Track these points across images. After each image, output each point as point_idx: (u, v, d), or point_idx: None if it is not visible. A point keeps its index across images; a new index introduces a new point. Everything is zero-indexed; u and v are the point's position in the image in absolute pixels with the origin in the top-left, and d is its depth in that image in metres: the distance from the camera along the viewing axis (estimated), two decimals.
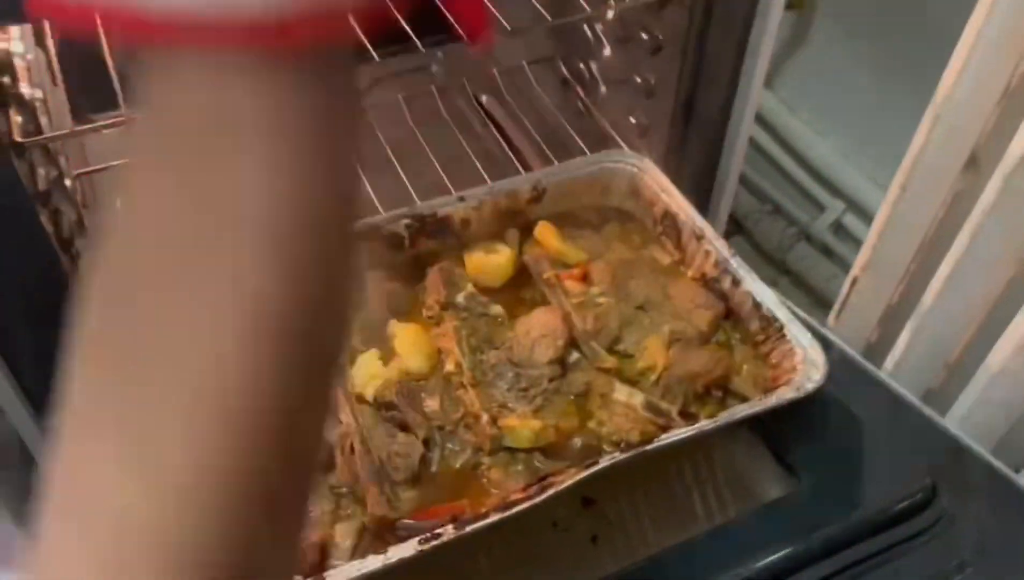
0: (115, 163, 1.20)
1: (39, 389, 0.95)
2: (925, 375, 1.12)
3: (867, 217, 1.66)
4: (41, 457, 0.97)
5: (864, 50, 1.61)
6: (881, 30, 1.57)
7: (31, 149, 0.86)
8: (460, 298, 0.97)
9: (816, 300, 1.78)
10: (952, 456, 0.98)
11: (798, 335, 0.91)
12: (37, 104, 1.02)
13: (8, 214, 0.80)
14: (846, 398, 1.02)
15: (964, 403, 1.04)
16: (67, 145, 1.14)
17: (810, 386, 0.86)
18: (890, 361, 1.13)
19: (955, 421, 1.04)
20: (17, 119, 0.84)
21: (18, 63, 1.00)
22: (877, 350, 1.20)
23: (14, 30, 1.03)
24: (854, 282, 1.15)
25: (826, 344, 0.95)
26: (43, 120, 1.01)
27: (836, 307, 1.19)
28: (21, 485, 1.00)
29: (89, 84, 1.36)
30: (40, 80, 1.07)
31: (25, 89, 0.97)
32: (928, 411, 1.03)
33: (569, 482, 0.77)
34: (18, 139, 0.81)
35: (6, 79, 0.87)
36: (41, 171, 0.90)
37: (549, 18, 1.05)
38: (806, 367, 0.88)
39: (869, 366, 1.08)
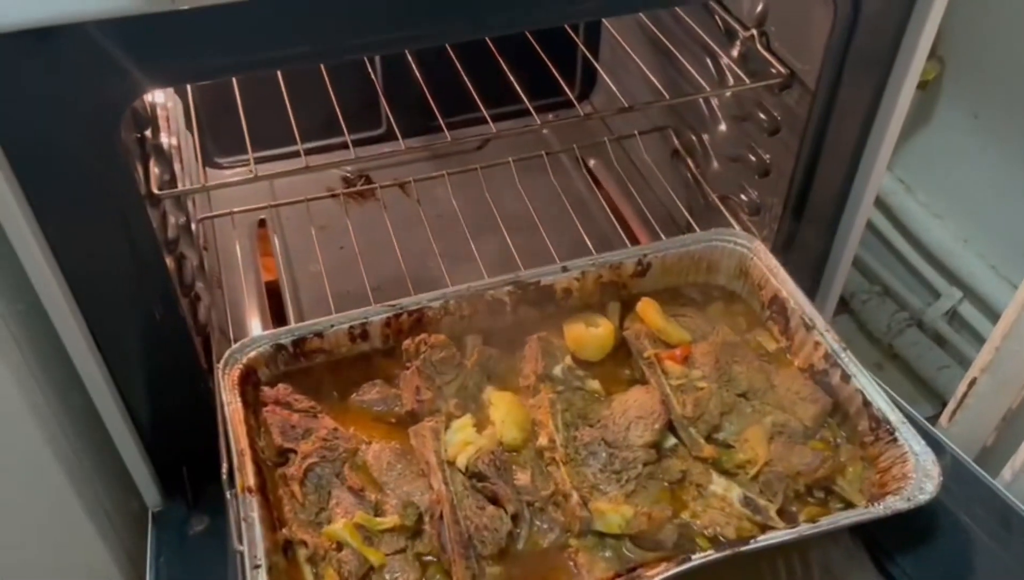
0: (237, 210, 1.26)
1: (150, 422, 0.99)
2: None
3: (986, 308, 1.58)
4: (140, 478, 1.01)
5: (991, 132, 1.54)
6: (1011, 111, 1.50)
7: (165, 198, 0.91)
8: (557, 370, 0.97)
9: (923, 389, 1.70)
10: None
11: (911, 440, 0.87)
12: (173, 152, 1.09)
13: (139, 263, 0.85)
14: (957, 508, 0.97)
15: None
16: (193, 185, 1.20)
17: (922, 498, 0.82)
18: (1008, 471, 1.06)
19: None
20: (155, 170, 0.89)
21: (159, 113, 1.07)
22: (993, 456, 1.13)
23: None
24: (972, 383, 1.09)
25: (938, 448, 0.91)
26: (176, 166, 1.07)
27: (951, 407, 1.13)
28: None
29: (218, 129, 1.44)
30: (176, 128, 1.13)
31: (164, 139, 1.03)
32: None
33: (659, 577, 0.75)
34: (155, 191, 0.86)
35: (148, 133, 0.93)
36: (171, 219, 0.94)
37: (667, 96, 1.05)
38: (918, 476, 0.84)
39: (985, 475, 1.02)
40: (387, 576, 0.79)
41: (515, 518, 0.83)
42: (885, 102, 1.06)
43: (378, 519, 0.82)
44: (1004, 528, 0.97)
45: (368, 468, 0.88)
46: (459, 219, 1.30)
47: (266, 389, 0.92)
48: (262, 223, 1.42)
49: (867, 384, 0.92)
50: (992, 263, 1.59)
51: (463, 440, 0.89)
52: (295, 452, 0.87)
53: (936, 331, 1.67)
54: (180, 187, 1.00)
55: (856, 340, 1.82)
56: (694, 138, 1.34)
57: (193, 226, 1.12)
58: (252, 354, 0.94)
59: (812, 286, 1.25)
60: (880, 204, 1.74)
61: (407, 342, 0.97)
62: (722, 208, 1.27)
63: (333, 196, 1.33)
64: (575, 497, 0.85)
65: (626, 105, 1.01)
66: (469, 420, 0.92)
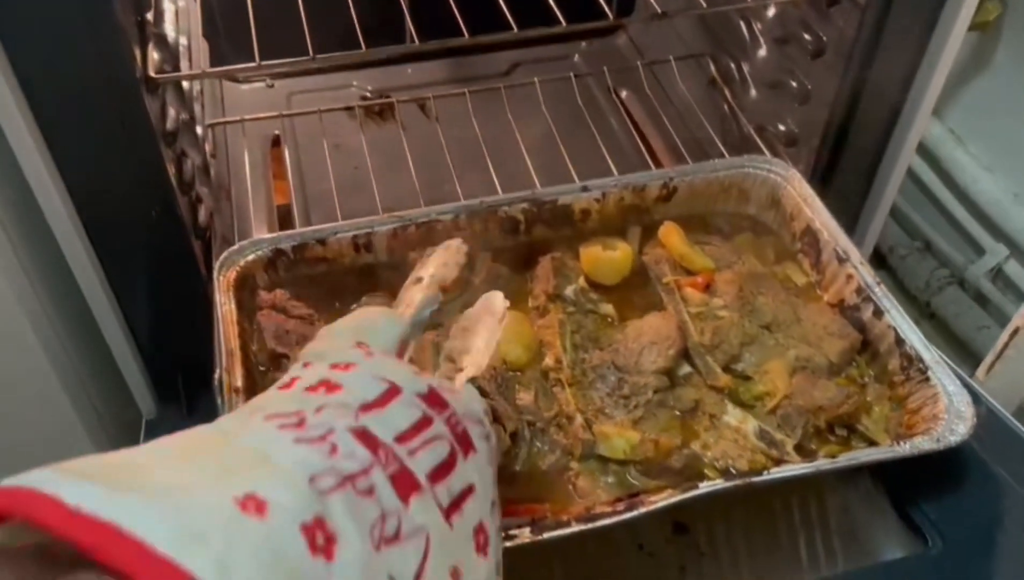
0: (248, 117, 1.21)
1: (146, 326, 0.96)
2: None
3: None
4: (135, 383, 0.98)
5: None
6: None
7: (165, 87, 0.86)
8: (569, 291, 0.92)
9: (962, 351, 1.62)
10: None
11: (944, 380, 0.81)
12: (181, 49, 1.04)
13: (131, 148, 0.81)
14: (990, 459, 0.90)
15: None
16: (205, 94, 1.16)
17: (953, 439, 0.76)
18: None
19: None
20: (154, 56, 0.85)
21: (167, 6, 1.02)
22: None
23: None
24: (1015, 333, 1.02)
25: (974, 397, 0.84)
26: (184, 65, 1.03)
27: (989, 359, 1.06)
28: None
29: (235, 41, 1.39)
30: (187, 27, 1.09)
31: (170, 32, 0.98)
32: None
33: (662, 503, 0.70)
34: (152, 74, 0.81)
35: (149, 16, 0.88)
36: (171, 111, 0.90)
37: (704, 3, 0.98)
38: (950, 418, 0.78)
39: (1023, 429, 0.96)
40: None
41: (514, 437, 0.79)
42: (940, 28, 0.98)
43: None
44: None
45: None
46: (479, 142, 1.24)
47: (262, 293, 0.88)
48: (276, 142, 1.38)
49: (901, 321, 0.86)
50: None
51: None
52: (288, 358, 0.83)
53: (978, 290, 1.59)
54: (187, 84, 0.95)
55: (893, 297, 1.74)
56: (732, 65, 1.27)
57: (199, 129, 1.08)
58: (250, 257, 0.90)
59: (847, 228, 1.17)
60: (927, 154, 1.65)
61: (413, 254, 0.92)
62: (757, 139, 1.20)
63: (347, 109, 1.28)
64: (579, 419, 0.80)
65: (659, 12, 0.94)
66: None
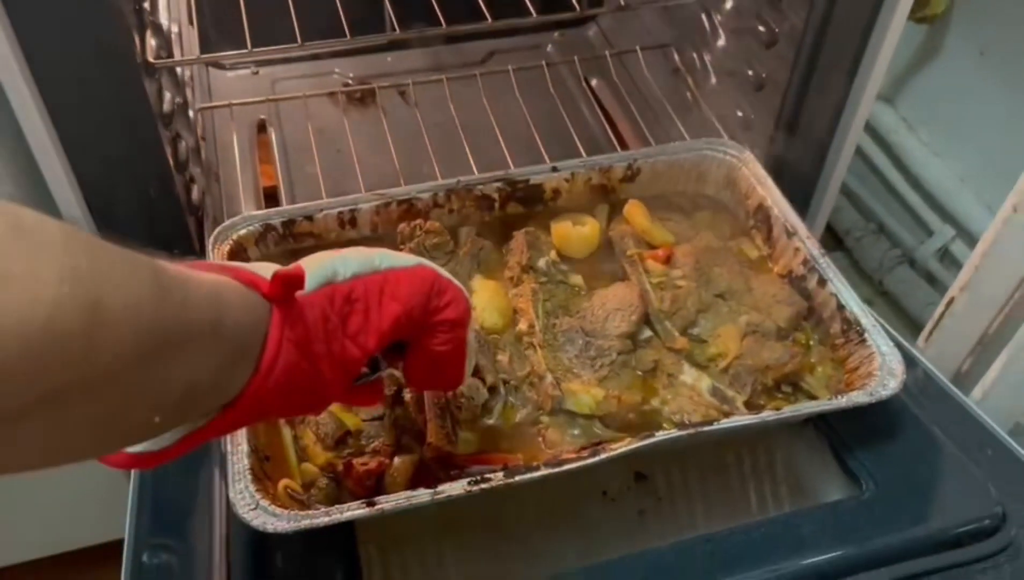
0: (235, 102, 1.27)
1: None
2: (1014, 408, 1.07)
3: None
4: None
5: (997, 69, 1.53)
6: (1018, 49, 1.50)
7: (161, 72, 0.92)
8: (541, 263, 0.99)
9: (912, 326, 1.72)
10: None
11: (879, 341, 0.89)
12: (173, 36, 1.10)
13: (132, 129, 0.86)
14: (924, 416, 0.99)
15: None
16: (195, 79, 1.21)
17: (884, 393, 0.84)
18: (979, 390, 1.08)
19: None
20: (151, 42, 0.91)
21: None
22: (967, 380, 1.15)
23: None
24: (950, 303, 1.10)
25: (910, 362, 0.92)
26: (176, 51, 1.09)
27: (928, 328, 1.15)
28: None
29: (222, 28, 1.44)
30: (178, 15, 1.14)
31: (164, 20, 1.04)
32: (1011, 443, 0.98)
33: (623, 449, 0.78)
34: (151, 60, 0.87)
35: (146, 5, 0.94)
36: (167, 94, 0.96)
37: None
38: (883, 374, 0.86)
39: (954, 389, 1.04)
40: (363, 440, 0.83)
41: (492, 390, 0.86)
42: (881, 20, 1.06)
43: None
44: (967, 437, 0.99)
45: None
46: (457, 126, 1.31)
47: None
48: (262, 127, 1.43)
49: (842, 288, 0.94)
50: (988, 202, 1.60)
51: None
52: None
53: (927, 269, 1.69)
54: (179, 69, 1.01)
55: (849, 277, 1.82)
56: (694, 55, 1.35)
57: (191, 113, 1.14)
58: (242, 232, 0.96)
59: (801, 208, 1.25)
60: (881, 141, 1.75)
61: (402, 225, 0.99)
62: (717, 124, 1.28)
63: (331, 94, 1.34)
64: (549, 377, 0.87)
65: (623, 3, 1.01)
66: None
